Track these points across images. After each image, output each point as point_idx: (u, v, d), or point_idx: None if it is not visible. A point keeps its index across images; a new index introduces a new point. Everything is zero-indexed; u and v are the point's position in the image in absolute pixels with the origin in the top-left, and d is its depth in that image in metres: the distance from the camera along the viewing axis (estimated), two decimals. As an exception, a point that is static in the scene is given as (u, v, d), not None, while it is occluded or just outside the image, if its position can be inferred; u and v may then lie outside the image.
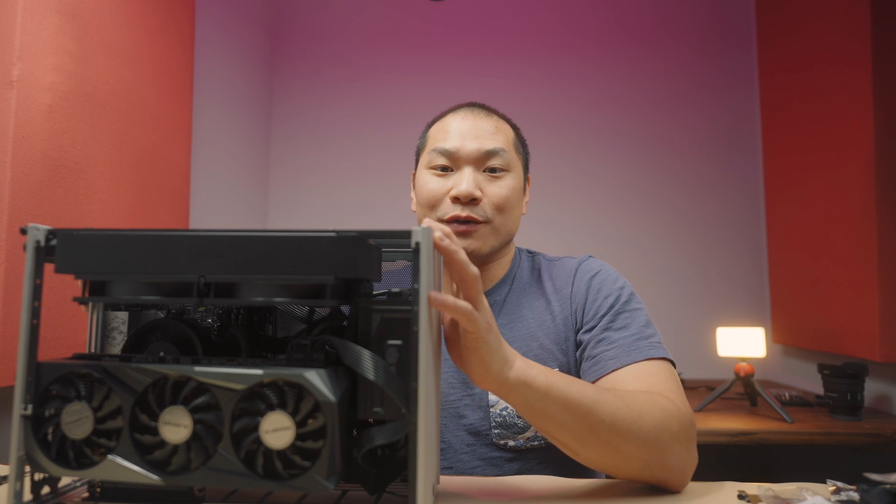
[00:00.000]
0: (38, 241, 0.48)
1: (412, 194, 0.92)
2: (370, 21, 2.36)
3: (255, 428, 0.45)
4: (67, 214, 1.06)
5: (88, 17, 1.12)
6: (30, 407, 0.47)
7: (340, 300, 0.50)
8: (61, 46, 1.04)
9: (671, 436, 0.62)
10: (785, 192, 2.00)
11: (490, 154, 0.82)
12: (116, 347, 0.60)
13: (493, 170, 0.82)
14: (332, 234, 0.46)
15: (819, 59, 1.78)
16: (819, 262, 1.78)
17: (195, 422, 0.46)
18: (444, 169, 0.83)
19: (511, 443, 0.78)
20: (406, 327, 0.50)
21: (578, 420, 0.58)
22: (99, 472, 0.46)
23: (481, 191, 0.81)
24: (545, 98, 2.29)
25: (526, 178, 0.91)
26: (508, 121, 0.90)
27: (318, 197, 2.32)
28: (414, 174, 0.92)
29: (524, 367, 0.57)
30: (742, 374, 1.56)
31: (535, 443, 0.78)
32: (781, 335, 2.03)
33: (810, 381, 1.89)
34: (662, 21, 2.29)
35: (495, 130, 0.84)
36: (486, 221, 0.81)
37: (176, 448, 0.46)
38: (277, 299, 0.48)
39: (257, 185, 2.22)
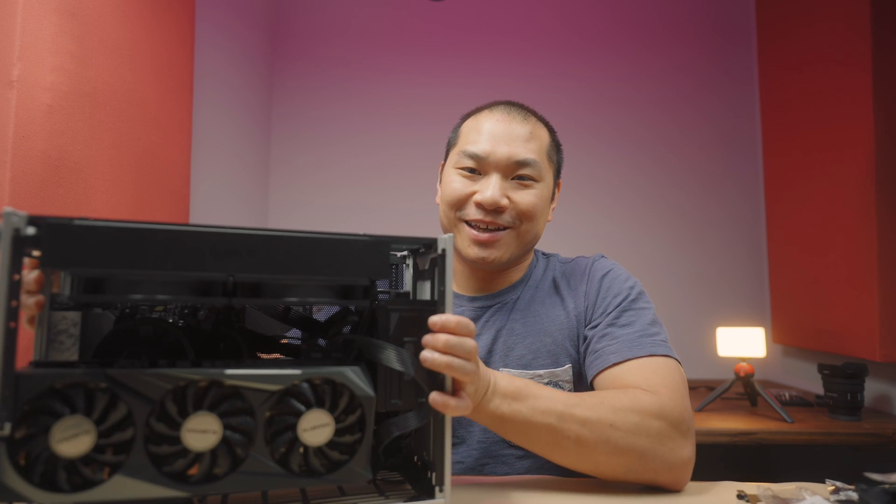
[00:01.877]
0: (16, 230, 0.40)
1: (438, 186, 0.91)
2: (370, 21, 2.36)
3: (291, 427, 0.45)
4: (67, 214, 1.06)
5: (88, 17, 1.12)
6: (7, 426, 0.39)
7: (370, 300, 0.52)
8: (61, 46, 1.04)
9: (650, 439, 0.62)
10: (785, 191, 2.00)
11: (521, 164, 0.80)
12: (66, 353, 0.53)
13: (521, 178, 0.81)
14: (367, 238, 0.48)
15: (819, 58, 1.78)
16: (819, 261, 1.78)
17: (225, 426, 0.43)
18: (472, 171, 0.81)
19: None
20: (420, 325, 0.52)
21: (543, 438, 0.61)
22: (104, 493, 0.40)
23: (507, 198, 0.79)
24: (545, 98, 2.29)
25: (556, 185, 0.89)
26: (546, 124, 0.87)
27: (318, 197, 2.32)
28: (443, 165, 0.91)
29: (490, 399, 0.60)
30: (742, 374, 1.56)
31: None
32: (781, 335, 2.03)
33: (810, 381, 1.89)
34: (662, 20, 2.29)
35: (529, 137, 0.81)
36: (511, 227, 0.80)
37: (197, 457, 0.43)
38: (311, 299, 0.49)
39: (257, 185, 2.22)
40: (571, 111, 2.29)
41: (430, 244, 0.54)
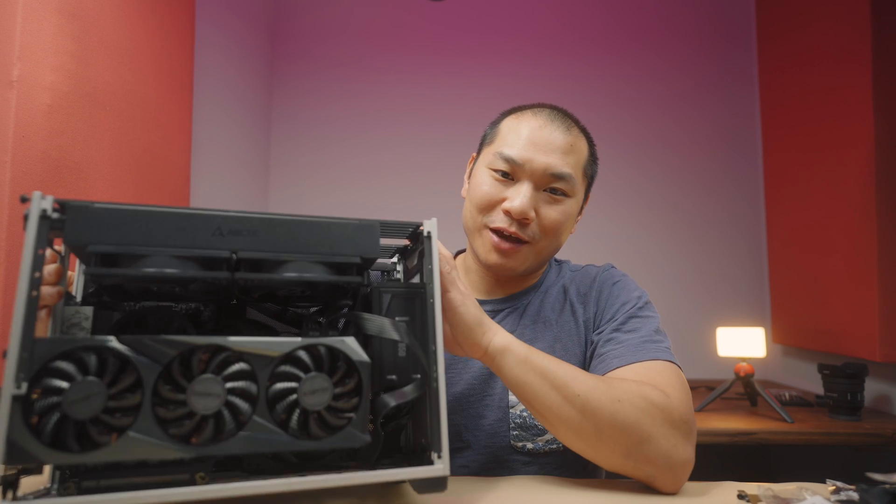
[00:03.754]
0: (43, 210, 0.44)
1: (466, 179, 0.89)
2: (370, 21, 2.36)
3: (292, 392, 0.47)
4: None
5: (88, 17, 1.12)
6: (23, 385, 0.41)
7: (362, 277, 0.55)
8: (61, 46, 1.04)
9: (654, 426, 0.61)
10: (785, 190, 2.00)
11: (555, 177, 0.77)
12: None
13: (553, 191, 0.78)
14: (357, 221, 0.53)
15: (819, 57, 1.78)
16: (819, 261, 1.78)
17: (228, 390, 0.45)
18: (504, 175, 0.79)
19: (529, 445, 0.78)
20: (412, 305, 0.58)
21: (555, 390, 0.62)
22: (112, 453, 0.42)
23: (535, 211, 0.78)
24: (545, 98, 2.28)
25: (585, 198, 0.87)
26: (587, 136, 0.85)
27: (318, 197, 2.32)
28: (474, 157, 0.89)
29: (507, 336, 0.64)
30: (742, 374, 1.56)
31: (553, 446, 0.78)
32: (781, 335, 2.03)
33: (810, 381, 1.89)
34: (663, 20, 2.29)
35: (569, 149, 0.78)
36: (531, 242, 0.79)
37: (203, 419, 0.45)
38: (307, 275, 0.52)
39: (257, 185, 2.22)
40: (572, 111, 2.27)
41: (416, 227, 0.59)
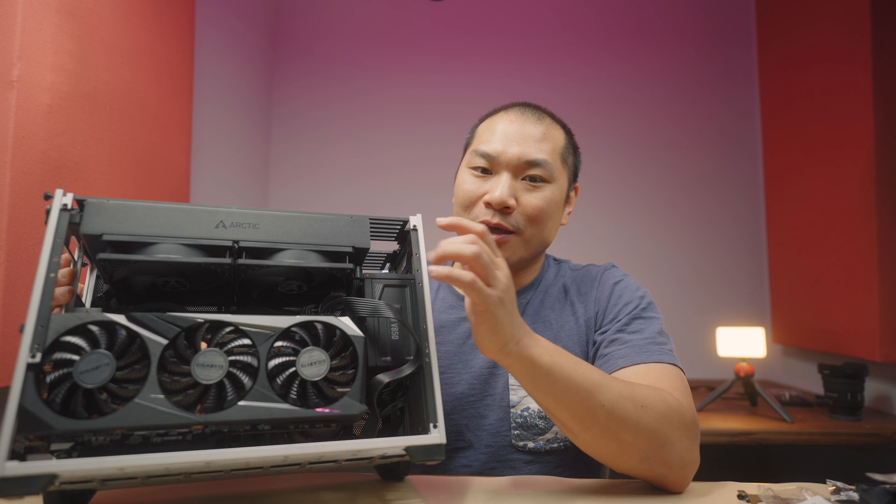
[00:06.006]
0: (64, 205, 0.49)
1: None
2: (370, 21, 2.36)
3: (291, 365, 0.50)
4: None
5: (88, 17, 1.12)
6: (38, 354, 0.43)
7: (354, 266, 0.58)
8: (61, 46, 1.04)
9: (672, 431, 0.62)
10: (785, 191, 2.00)
11: (531, 164, 0.79)
12: None
13: (532, 178, 0.80)
14: (348, 216, 0.58)
15: (819, 58, 1.78)
16: (819, 261, 1.78)
17: (230, 363, 0.48)
18: (484, 171, 0.81)
19: (530, 444, 0.78)
20: (402, 294, 0.61)
21: (578, 401, 0.60)
22: (119, 419, 0.44)
23: (516, 199, 0.78)
24: (545, 97, 2.28)
25: (572, 188, 0.88)
26: (562, 125, 0.87)
27: (318, 197, 2.32)
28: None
29: (529, 344, 0.59)
30: (742, 374, 1.56)
31: (555, 445, 0.78)
32: (781, 335, 2.03)
33: (810, 381, 1.89)
34: (662, 20, 2.29)
35: (542, 138, 0.81)
36: (517, 232, 0.79)
37: (207, 389, 0.47)
38: (303, 262, 0.54)
39: (257, 185, 2.22)
40: (571, 111, 2.28)
41: (404, 223, 0.64)
